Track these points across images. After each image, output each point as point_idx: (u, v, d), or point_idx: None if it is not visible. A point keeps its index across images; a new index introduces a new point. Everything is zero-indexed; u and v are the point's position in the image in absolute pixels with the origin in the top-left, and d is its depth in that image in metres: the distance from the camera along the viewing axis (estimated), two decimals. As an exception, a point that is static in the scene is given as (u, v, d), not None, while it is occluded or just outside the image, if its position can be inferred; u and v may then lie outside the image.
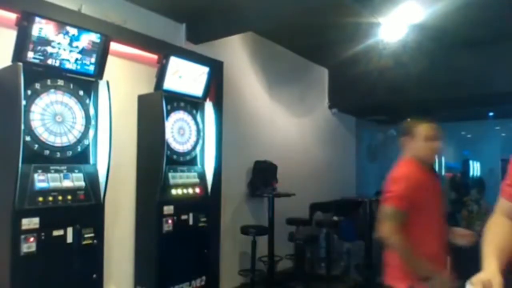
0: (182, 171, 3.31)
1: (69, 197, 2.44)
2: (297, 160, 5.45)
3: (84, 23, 2.70)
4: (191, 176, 3.36)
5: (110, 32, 2.83)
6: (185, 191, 3.27)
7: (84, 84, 2.64)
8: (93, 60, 2.65)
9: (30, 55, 2.34)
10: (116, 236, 3.18)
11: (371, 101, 5.93)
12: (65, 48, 2.49)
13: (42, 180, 2.34)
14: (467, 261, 1.35)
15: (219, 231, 4.02)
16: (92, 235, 2.52)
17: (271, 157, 4.76)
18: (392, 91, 5.45)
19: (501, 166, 6.38)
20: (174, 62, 3.23)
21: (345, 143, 7.10)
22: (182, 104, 3.37)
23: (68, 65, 2.53)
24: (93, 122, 2.66)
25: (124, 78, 3.33)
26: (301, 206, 5.26)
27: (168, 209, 3.14)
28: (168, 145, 3.17)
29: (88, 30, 2.60)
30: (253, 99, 4.83)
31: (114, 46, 2.93)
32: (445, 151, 9.59)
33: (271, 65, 5.05)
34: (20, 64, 2.24)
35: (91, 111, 2.66)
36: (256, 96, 4.89)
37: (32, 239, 2.23)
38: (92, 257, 2.53)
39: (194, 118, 3.47)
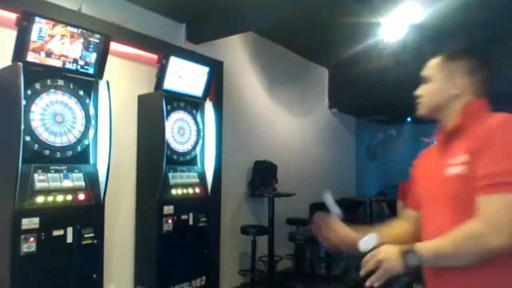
0: (182, 171, 3.31)
1: (69, 197, 2.44)
2: (297, 160, 5.45)
3: (84, 23, 2.70)
4: (191, 176, 3.36)
5: (110, 32, 2.83)
6: (185, 191, 3.26)
7: (84, 84, 2.64)
8: (93, 60, 2.65)
9: (30, 55, 2.33)
10: (116, 236, 3.18)
11: (371, 101, 5.93)
12: (65, 48, 2.49)
13: (42, 180, 2.33)
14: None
15: (219, 231, 4.02)
16: (92, 235, 2.51)
17: (271, 157, 4.76)
18: (392, 91, 5.45)
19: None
20: (174, 62, 3.23)
21: (345, 143, 7.11)
22: (182, 104, 3.37)
23: (68, 65, 2.53)
24: (93, 122, 2.66)
25: (124, 78, 3.33)
26: (301, 206, 5.26)
27: (168, 209, 3.13)
28: (168, 145, 3.17)
29: (88, 30, 2.60)
30: (253, 99, 4.83)
31: (114, 46, 2.93)
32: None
33: (271, 65, 5.05)
34: (20, 64, 2.24)
35: (91, 111, 2.66)
36: (256, 96, 4.89)
37: (32, 239, 2.23)
38: (92, 257, 2.53)
39: (194, 118, 3.47)
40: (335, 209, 1.47)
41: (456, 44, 1.29)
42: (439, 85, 1.25)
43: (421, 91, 1.30)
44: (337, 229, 1.42)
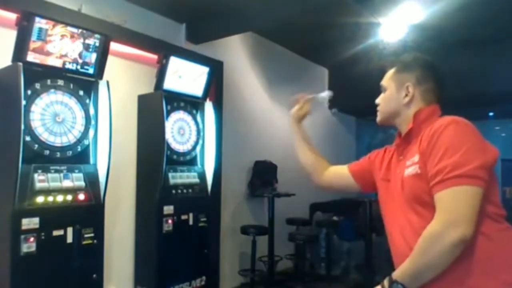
0: (182, 171, 3.31)
1: (69, 197, 2.44)
2: (297, 160, 5.44)
3: (84, 23, 2.70)
4: (191, 176, 3.36)
5: (110, 32, 2.83)
6: (185, 191, 3.26)
7: (84, 84, 2.64)
8: (93, 60, 2.65)
9: (30, 55, 2.33)
10: (116, 236, 3.18)
11: (371, 101, 5.90)
12: (65, 48, 2.49)
13: (42, 180, 2.33)
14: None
15: (219, 231, 4.02)
16: (92, 235, 2.51)
17: (271, 157, 4.76)
18: (392, 91, 5.44)
19: (501, 166, 6.37)
20: (174, 62, 3.23)
21: (345, 143, 7.10)
22: (182, 104, 3.37)
23: (68, 65, 2.53)
24: (93, 122, 2.66)
25: (124, 78, 3.33)
26: (301, 206, 5.27)
27: (168, 209, 3.13)
28: (168, 145, 3.17)
29: (88, 30, 2.60)
30: (253, 99, 4.83)
31: (114, 46, 2.93)
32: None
33: (271, 65, 5.05)
34: (20, 64, 2.24)
35: (91, 111, 2.66)
36: (256, 96, 4.89)
37: (32, 239, 2.23)
38: (92, 257, 2.53)
39: (194, 118, 3.47)
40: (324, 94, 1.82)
41: (406, 57, 1.42)
42: (392, 93, 1.38)
43: (379, 100, 1.45)
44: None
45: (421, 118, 1.29)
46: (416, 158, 1.22)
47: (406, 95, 1.33)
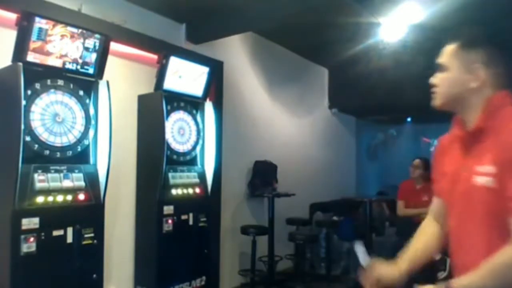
0: (182, 171, 3.31)
1: (69, 197, 2.44)
2: (297, 160, 5.45)
3: (84, 23, 2.70)
4: (191, 176, 3.36)
5: (110, 32, 2.83)
6: (185, 191, 3.26)
7: (84, 84, 2.64)
8: (93, 60, 2.65)
9: (30, 55, 2.33)
10: (116, 236, 3.18)
11: (371, 101, 5.93)
12: (65, 48, 2.49)
13: (42, 180, 2.33)
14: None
15: (219, 231, 4.02)
16: (92, 235, 2.51)
17: (271, 157, 4.76)
18: (392, 91, 5.44)
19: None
20: (174, 62, 3.23)
21: (345, 143, 7.11)
22: (182, 104, 3.37)
23: (68, 65, 2.53)
24: (93, 122, 2.66)
25: (124, 78, 3.33)
26: (301, 206, 5.27)
27: (168, 209, 3.13)
28: (168, 145, 3.17)
29: (88, 30, 2.60)
30: (253, 99, 4.83)
31: (114, 46, 2.92)
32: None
33: (271, 65, 5.05)
34: (20, 64, 2.24)
35: (91, 111, 2.66)
36: (256, 96, 4.89)
37: (32, 239, 2.23)
38: (92, 257, 2.53)
39: (194, 118, 3.47)
40: (365, 259, 1.41)
41: (472, 31, 1.17)
42: (456, 76, 1.14)
43: (437, 80, 1.18)
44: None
45: (494, 107, 1.09)
46: (489, 168, 1.03)
47: (475, 79, 1.10)
